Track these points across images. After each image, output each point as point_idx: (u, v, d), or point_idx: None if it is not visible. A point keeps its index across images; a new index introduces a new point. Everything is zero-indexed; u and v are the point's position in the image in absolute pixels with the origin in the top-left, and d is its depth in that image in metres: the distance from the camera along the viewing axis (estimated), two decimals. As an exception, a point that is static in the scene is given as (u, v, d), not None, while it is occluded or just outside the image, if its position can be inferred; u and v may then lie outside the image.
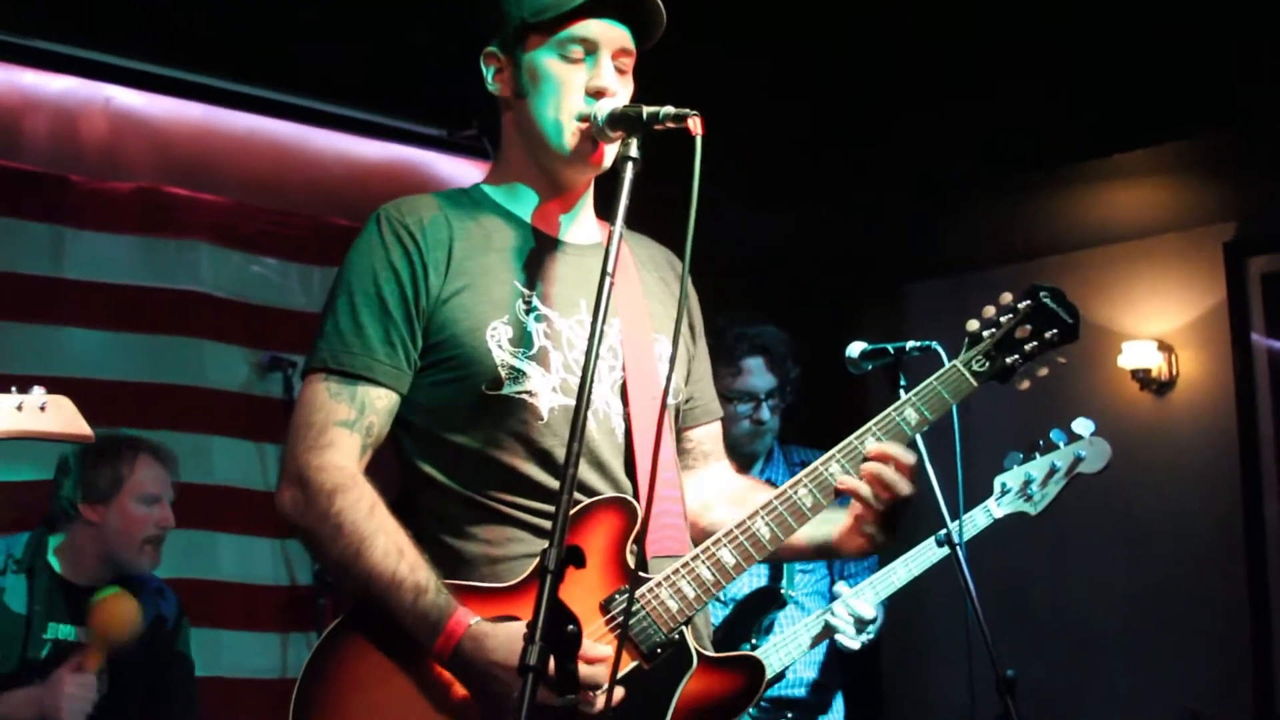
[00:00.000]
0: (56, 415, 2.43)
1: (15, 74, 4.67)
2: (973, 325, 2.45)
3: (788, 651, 3.73)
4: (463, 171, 5.50)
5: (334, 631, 2.19)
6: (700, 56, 4.30)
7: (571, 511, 1.92)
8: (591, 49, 2.27)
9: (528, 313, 2.28)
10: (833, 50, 5.10)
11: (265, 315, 5.10)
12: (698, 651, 2.22)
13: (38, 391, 2.41)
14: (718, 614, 3.93)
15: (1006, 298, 2.47)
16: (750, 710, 2.28)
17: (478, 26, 2.38)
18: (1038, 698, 4.01)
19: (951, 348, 2.53)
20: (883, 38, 5.05)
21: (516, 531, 2.21)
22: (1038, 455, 3.66)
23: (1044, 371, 2.46)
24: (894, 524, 2.35)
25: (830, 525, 2.39)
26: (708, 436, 2.62)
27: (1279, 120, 4.86)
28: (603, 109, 2.22)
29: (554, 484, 2.21)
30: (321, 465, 2.17)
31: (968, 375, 2.39)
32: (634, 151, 2.11)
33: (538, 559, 2.12)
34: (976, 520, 3.64)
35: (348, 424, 2.20)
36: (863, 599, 3.66)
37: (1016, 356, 2.43)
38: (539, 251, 2.34)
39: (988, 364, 2.41)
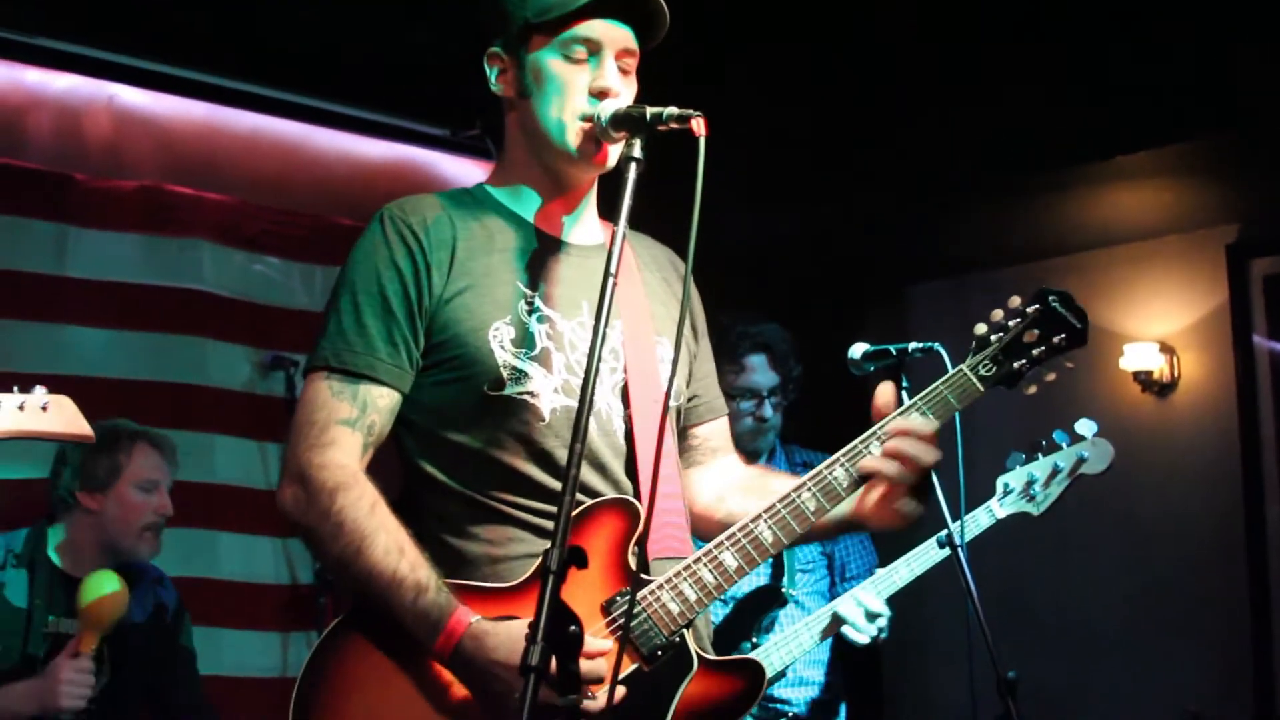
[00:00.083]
0: (58, 415, 2.44)
1: (19, 72, 4.67)
2: (980, 329, 2.41)
3: (789, 650, 3.73)
4: (466, 171, 5.51)
5: (334, 631, 2.19)
6: (702, 57, 4.31)
7: (573, 512, 1.92)
8: (595, 49, 2.27)
9: (530, 313, 2.28)
10: (835, 51, 5.11)
11: (268, 314, 5.10)
12: (698, 654, 2.22)
13: (40, 391, 2.42)
14: (718, 612, 3.94)
15: (1015, 301, 2.43)
16: (752, 710, 2.29)
17: (481, 26, 2.39)
18: (1038, 698, 4.02)
19: (953, 349, 2.52)
20: (885, 39, 5.06)
21: (517, 531, 2.21)
22: (1040, 456, 3.67)
23: (1051, 376, 2.43)
24: (925, 492, 2.32)
25: (848, 503, 2.35)
26: (715, 432, 2.62)
27: (1281, 122, 4.87)
28: (606, 109, 2.22)
29: (555, 484, 2.21)
30: (323, 463, 2.17)
31: (974, 380, 2.37)
32: (637, 152, 2.11)
33: (539, 559, 2.13)
34: (979, 520, 3.64)
35: (350, 422, 2.21)
36: (869, 595, 3.67)
37: (1024, 361, 2.39)
38: (542, 252, 2.35)
39: (995, 369, 2.39)
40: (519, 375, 2.24)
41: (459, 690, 2.11)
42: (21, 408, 2.40)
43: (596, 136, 2.25)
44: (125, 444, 3.81)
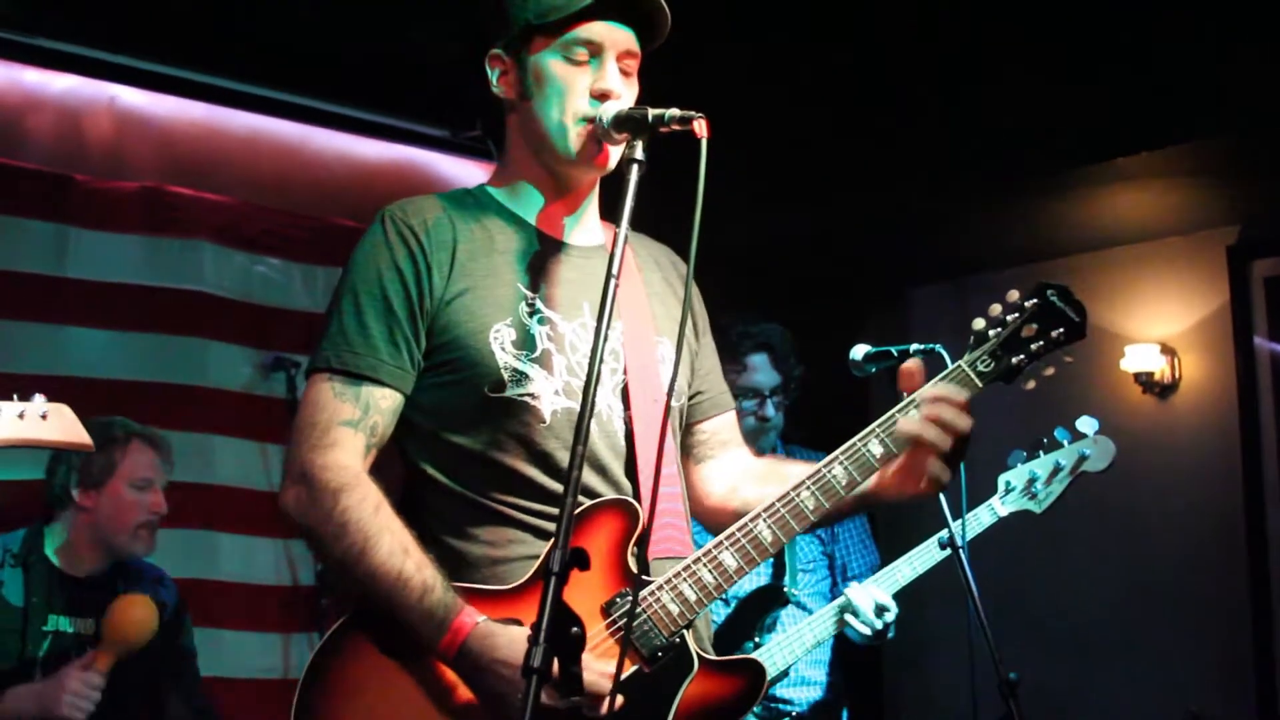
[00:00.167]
0: (57, 424, 2.45)
1: (19, 72, 4.67)
2: (979, 324, 2.40)
3: (790, 650, 3.73)
4: (466, 172, 5.51)
5: (336, 632, 2.19)
6: (703, 57, 4.31)
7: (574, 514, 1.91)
8: (596, 51, 2.27)
9: (531, 315, 2.28)
10: (836, 52, 5.11)
11: (268, 315, 5.10)
12: (699, 655, 2.22)
13: (39, 400, 2.42)
14: (720, 612, 3.94)
15: (1013, 295, 2.42)
16: (754, 710, 2.28)
17: (482, 28, 2.38)
18: (1039, 698, 4.02)
19: (954, 350, 2.51)
20: (886, 39, 5.05)
21: (518, 533, 2.21)
22: (1042, 453, 3.67)
23: (1050, 371, 2.42)
24: (958, 460, 2.31)
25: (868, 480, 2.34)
26: (723, 426, 2.61)
27: (1282, 123, 4.86)
28: (608, 111, 2.22)
29: (555, 486, 2.21)
30: (326, 464, 2.17)
31: (973, 376, 2.36)
32: (639, 154, 2.10)
33: (539, 560, 2.13)
34: (981, 518, 3.64)
35: (352, 423, 2.21)
36: (878, 589, 3.67)
37: (1022, 356, 2.38)
38: (543, 254, 2.35)
39: (993, 364, 2.37)
40: (520, 377, 2.23)
41: (462, 692, 2.11)
42: (21, 416, 2.41)
43: (598, 138, 2.25)
44: (120, 441, 3.82)
